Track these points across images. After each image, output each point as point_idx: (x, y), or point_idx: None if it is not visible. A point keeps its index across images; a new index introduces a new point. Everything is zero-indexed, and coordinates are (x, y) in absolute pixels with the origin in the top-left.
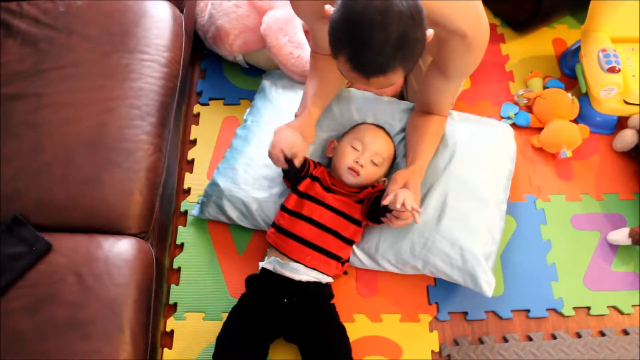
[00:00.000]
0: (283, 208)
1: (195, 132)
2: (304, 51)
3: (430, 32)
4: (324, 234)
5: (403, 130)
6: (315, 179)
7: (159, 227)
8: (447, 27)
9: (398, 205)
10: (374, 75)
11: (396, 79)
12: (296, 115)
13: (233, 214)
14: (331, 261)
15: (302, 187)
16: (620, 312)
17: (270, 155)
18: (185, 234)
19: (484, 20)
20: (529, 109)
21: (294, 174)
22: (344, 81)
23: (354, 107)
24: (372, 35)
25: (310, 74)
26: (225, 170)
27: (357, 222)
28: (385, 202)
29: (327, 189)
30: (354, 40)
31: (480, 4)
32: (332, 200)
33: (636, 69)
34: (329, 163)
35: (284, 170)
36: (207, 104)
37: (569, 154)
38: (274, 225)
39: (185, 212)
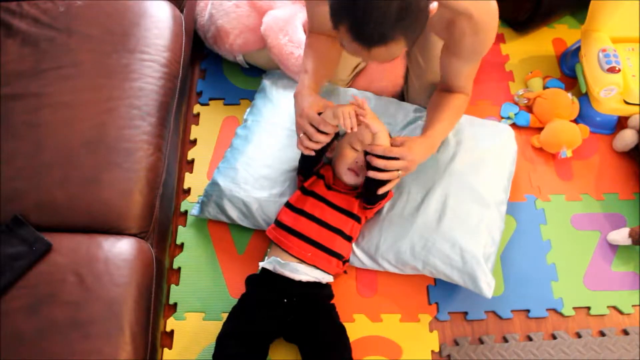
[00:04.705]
0: (287, 204)
1: (195, 132)
2: None
3: (434, 5)
4: (325, 231)
5: (403, 130)
6: (321, 177)
7: (159, 227)
8: (452, 8)
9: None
10: (375, 45)
11: (398, 51)
12: (295, 96)
13: (233, 213)
14: (332, 259)
15: (306, 184)
16: (620, 312)
17: (302, 125)
18: (185, 234)
19: (490, 1)
20: (529, 109)
21: (323, 152)
22: (340, 59)
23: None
24: (373, 3)
25: (305, 52)
26: (226, 170)
27: (356, 218)
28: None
29: (329, 187)
30: (355, 8)
31: None
32: (332, 197)
33: (636, 69)
34: (328, 163)
35: (302, 159)
36: (207, 104)
37: (569, 154)
38: (276, 221)
39: (185, 212)
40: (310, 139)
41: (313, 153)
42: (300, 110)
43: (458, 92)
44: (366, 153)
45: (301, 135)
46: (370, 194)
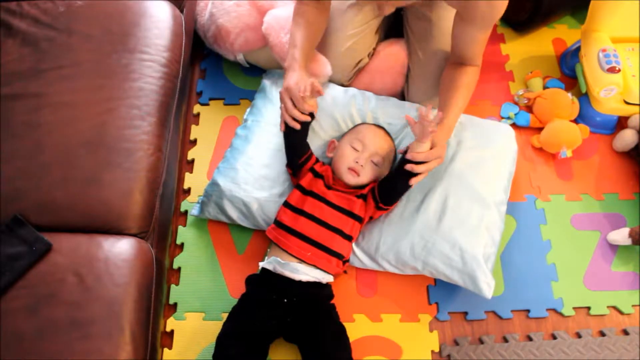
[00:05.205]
0: (286, 204)
1: (195, 132)
2: None
3: None
4: (325, 231)
5: (403, 129)
6: (319, 175)
7: (159, 227)
8: None
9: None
10: None
11: None
12: (286, 69)
13: (233, 213)
14: (332, 258)
15: (305, 183)
16: (620, 312)
17: (283, 97)
18: (185, 234)
19: None
20: (529, 109)
21: (301, 137)
22: (326, 26)
23: (354, 107)
24: None
25: (295, 21)
26: (226, 170)
27: (356, 218)
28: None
29: (329, 187)
30: None
31: None
32: (332, 196)
33: (636, 69)
34: (329, 163)
35: (286, 146)
36: (207, 104)
37: (569, 154)
38: (276, 221)
39: (185, 212)
40: (286, 112)
41: (283, 128)
42: (286, 84)
43: (469, 64)
44: (404, 160)
45: (281, 106)
46: (396, 193)
